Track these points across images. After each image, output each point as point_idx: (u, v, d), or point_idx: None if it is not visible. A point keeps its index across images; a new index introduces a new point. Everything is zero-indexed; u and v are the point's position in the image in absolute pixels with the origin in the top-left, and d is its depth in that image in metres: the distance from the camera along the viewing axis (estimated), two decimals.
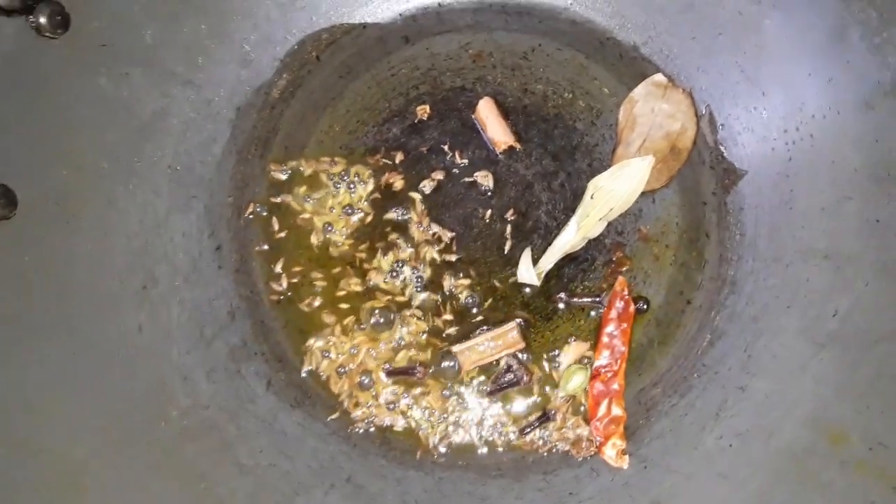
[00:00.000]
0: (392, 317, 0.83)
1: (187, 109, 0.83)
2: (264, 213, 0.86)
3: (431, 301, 0.83)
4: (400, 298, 0.83)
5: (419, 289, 0.83)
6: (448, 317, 0.83)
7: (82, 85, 0.74)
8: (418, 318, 0.83)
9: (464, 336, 0.82)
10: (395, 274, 0.84)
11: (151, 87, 0.80)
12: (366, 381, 0.82)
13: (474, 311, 0.83)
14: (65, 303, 0.72)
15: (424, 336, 0.83)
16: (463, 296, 0.83)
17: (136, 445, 0.72)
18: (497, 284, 0.83)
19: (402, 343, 0.83)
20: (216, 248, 0.84)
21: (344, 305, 0.84)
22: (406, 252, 0.84)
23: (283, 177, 0.86)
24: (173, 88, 0.81)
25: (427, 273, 0.84)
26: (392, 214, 0.85)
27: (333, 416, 0.82)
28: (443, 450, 0.82)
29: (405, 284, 0.84)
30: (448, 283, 0.83)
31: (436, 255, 0.83)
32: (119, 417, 0.72)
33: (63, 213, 0.73)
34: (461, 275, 0.83)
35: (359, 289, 0.84)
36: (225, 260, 0.85)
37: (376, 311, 0.83)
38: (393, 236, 0.84)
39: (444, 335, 0.83)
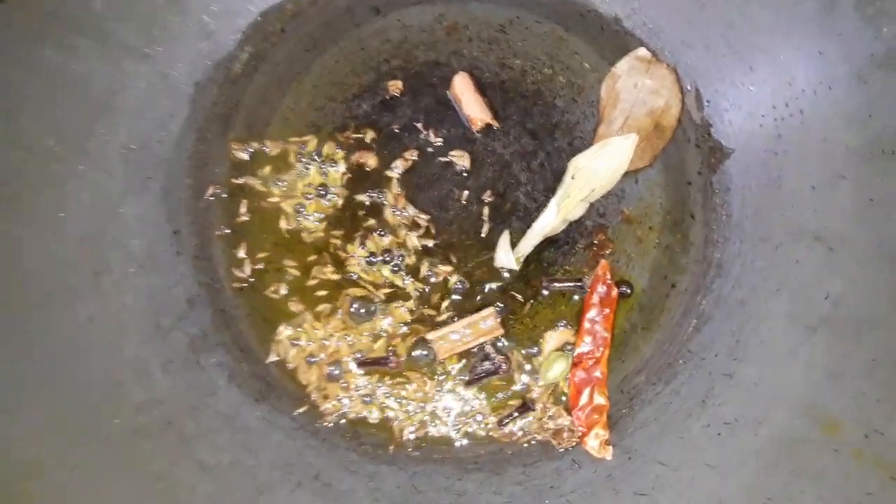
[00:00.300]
0: (373, 308, 0.78)
1: (142, 85, 0.77)
2: (225, 196, 0.81)
3: (414, 289, 0.79)
4: (381, 288, 0.79)
5: (400, 276, 0.79)
6: (431, 305, 0.79)
7: (27, 57, 0.70)
8: (405, 308, 0.78)
9: (442, 324, 0.78)
10: (372, 261, 0.79)
11: (103, 60, 0.74)
12: (336, 372, 0.78)
13: (456, 298, 0.79)
14: (10, 293, 0.68)
15: (405, 327, 0.78)
16: (451, 281, 0.79)
17: (89, 443, 0.68)
18: (474, 270, 0.79)
19: (384, 334, 0.78)
20: (174, 232, 0.79)
21: (315, 293, 0.79)
22: (384, 238, 0.79)
23: (246, 156, 0.82)
24: (127, 62, 0.76)
25: (407, 260, 0.79)
26: (365, 196, 0.80)
27: (301, 410, 0.78)
28: (417, 443, 0.77)
29: (385, 272, 0.79)
30: (426, 269, 0.79)
31: (416, 242, 0.79)
32: (69, 414, 0.68)
33: (8, 196, 0.69)
34: (441, 261, 0.79)
35: (334, 276, 0.79)
36: (183, 245, 0.80)
37: (356, 302, 0.78)
38: (368, 221, 0.80)
39: (424, 324, 0.79)
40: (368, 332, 0.78)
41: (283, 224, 0.80)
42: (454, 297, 0.79)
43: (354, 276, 0.79)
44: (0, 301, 0.67)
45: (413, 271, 0.79)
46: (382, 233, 0.79)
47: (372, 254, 0.79)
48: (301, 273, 0.80)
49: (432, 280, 0.79)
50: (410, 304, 0.79)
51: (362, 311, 0.78)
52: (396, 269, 0.79)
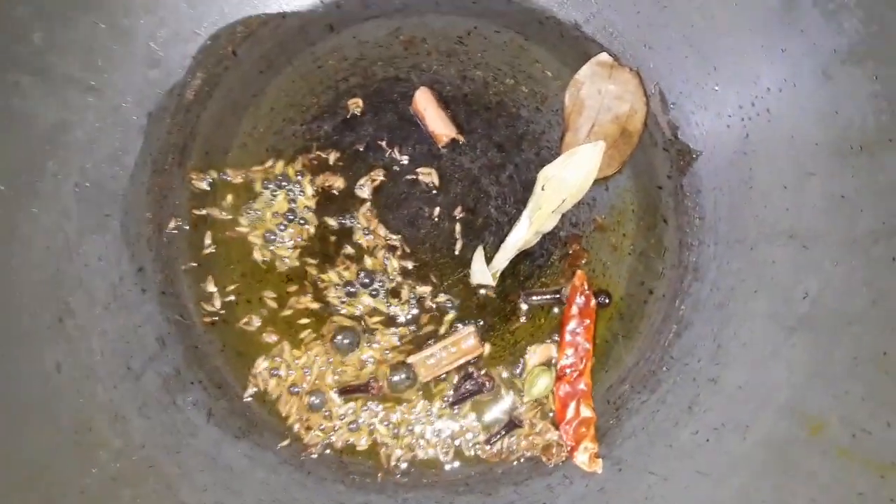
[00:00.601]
0: (357, 338, 0.76)
1: (91, 118, 0.75)
2: (189, 228, 0.79)
3: (401, 313, 0.78)
4: (365, 315, 0.78)
5: (382, 301, 0.78)
6: (421, 325, 0.78)
7: None
8: (395, 336, 0.77)
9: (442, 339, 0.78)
10: (351, 289, 0.78)
11: (47, 95, 0.71)
12: (317, 402, 0.76)
13: (453, 313, 0.78)
14: None
15: (391, 353, 0.77)
16: (442, 300, 0.78)
17: (67, 497, 0.65)
18: (450, 288, 0.78)
19: (371, 361, 0.77)
20: (138, 269, 0.77)
21: (293, 323, 0.78)
22: (360, 263, 0.78)
23: (206, 186, 0.79)
24: (73, 96, 0.73)
25: (388, 284, 0.78)
26: (335, 221, 0.79)
27: (283, 444, 0.76)
28: (405, 468, 0.76)
29: (365, 299, 0.78)
30: (408, 292, 0.78)
31: (395, 264, 0.78)
32: (41, 468, 0.66)
33: None
34: (420, 282, 0.78)
35: (313, 306, 0.78)
36: (149, 282, 0.77)
37: (339, 334, 0.76)
38: (342, 245, 0.78)
39: (413, 346, 0.78)
40: (354, 362, 0.77)
41: (253, 254, 0.78)
42: (451, 312, 0.78)
43: (335, 307, 0.77)
44: None
45: (394, 295, 0.78)
46: (358, 257, 0.78)
47: (349, 281, 0.77)
48: (276, 304, 0.78)
49: (413, 301, 0.78)
50: (401, 329, 0.77)
51: (346, 342, 0.76)
52: (375, 293, 0.77)
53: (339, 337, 0.76)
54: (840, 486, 0.62)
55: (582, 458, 0.74)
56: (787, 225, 0.72)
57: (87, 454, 0.68)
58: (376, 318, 0.78)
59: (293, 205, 0.78)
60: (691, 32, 0.77)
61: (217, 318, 0.78)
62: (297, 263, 0.78)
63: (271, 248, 0.78)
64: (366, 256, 0.78)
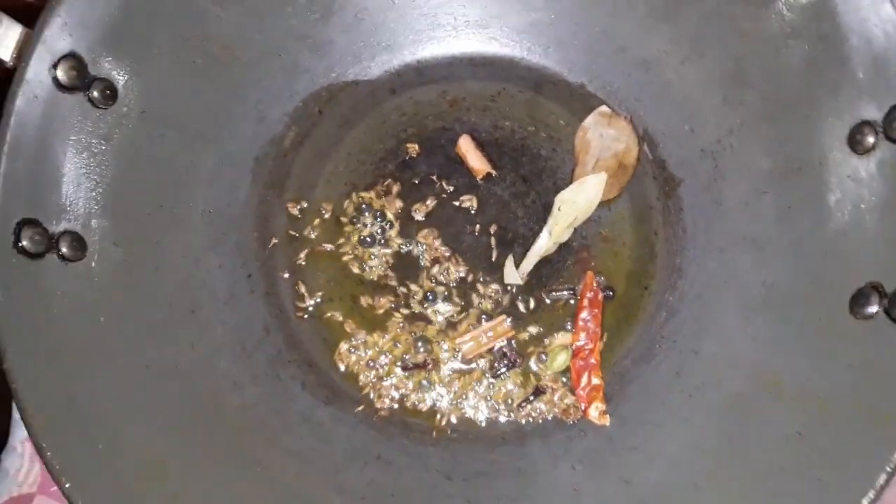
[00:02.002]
0: (430, 346, 0.96)
1: (213, 162, 0.93)
2: (286, 245, 0.99)
3: (476, 309, 0.97)
4: (440, 317, 0.97)
5: (451, 301, 0.97)
6: (473, 318, 0.97)
7: (127, 146, 0.85)
8: (459, 328, 0.96)
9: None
10: (429, 296, 0.97)
11: (182, 144, 0.90)
12: (386, 376, 0.95)
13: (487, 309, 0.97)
14: (130, 326, 0.84)
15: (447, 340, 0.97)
16: (484, 298, 0.97)
17: (204, 440, 0.84)
18: (488, 287, 0.99)
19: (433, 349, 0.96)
20: (248, 276, 0.95)
21: (370, 318, 0.97)
22: (429, 272, 0.97)
23: (298, 213, 1.00)
24: (200, 145, 0.91)
25: (453, 288, 0.97)
26: (403, 240, 0.98)
27: (359, 409, 0.95)
28: (455, 427, 0.94)
29: (439, 304, 0.97)
30: (470, 293, 0.97)
31: (454, 272, 0.96)
32: (186, 419, 0.84)
33: (122, 254, 0.85)
34: (472, 284, 0.97)
35: (396, 311, 0.97)
36: (256, 285, 0.96)
37: (419, 340, 0.95)
38: (409, 258, 0.97)
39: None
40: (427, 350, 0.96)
41: (336, 266, 0.98)
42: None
43: (414, 310, 0.96)
44: (125, 333, 0.83)
45: (460, 296, 0.97)
46: (426, 268, 0.97)
47: (424, 287, 0.97)
48: (347, 303, 0.98)
49: (476, 299, 0.97)
50: (466, 320, 0.97)
51: (422, 349, 0.96)
52: (447, 296, 0.97)
53: (419, 343, 0.95)
54: (787, 423, 0.78)
55: (594, 415, 0.90)
56: (748, 233, 0.88)
57: (216, 410, 0.87)
58: (451, 316, 0.97)
59: (367, 227, 0.98)
60: (670, 88, 0.95)
61: (307, 313, 0.98)
62: (374, 275, 0.97)
63: (351, 261, 0.98)
64: (433, 267, 0.97)
